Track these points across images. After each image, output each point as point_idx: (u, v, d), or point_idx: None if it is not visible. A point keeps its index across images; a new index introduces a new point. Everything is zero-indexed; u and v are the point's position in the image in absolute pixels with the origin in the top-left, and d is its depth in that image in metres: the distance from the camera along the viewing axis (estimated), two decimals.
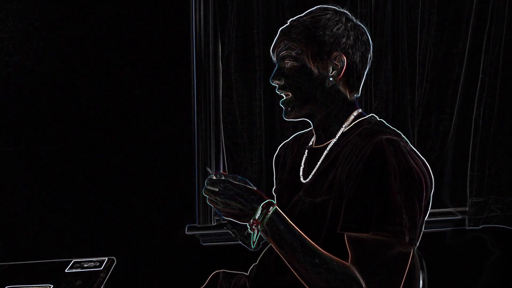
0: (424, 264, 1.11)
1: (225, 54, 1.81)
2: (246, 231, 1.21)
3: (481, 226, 1.99)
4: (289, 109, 1.04)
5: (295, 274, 0.91)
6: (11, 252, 1.76)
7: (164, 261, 1.89)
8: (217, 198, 0.96)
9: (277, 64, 1.04)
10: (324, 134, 1.06)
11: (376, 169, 0.87)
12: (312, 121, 1.07)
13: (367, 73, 1.06)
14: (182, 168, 1.86)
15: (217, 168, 1.91)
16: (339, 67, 1.00)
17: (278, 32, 1.04)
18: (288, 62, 1.01)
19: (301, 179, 1.07)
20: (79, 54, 1.76)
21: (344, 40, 0.99)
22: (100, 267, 1.38)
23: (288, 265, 0.92)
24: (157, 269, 1.90)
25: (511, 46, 1.94)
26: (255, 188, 0.98)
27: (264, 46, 1.81)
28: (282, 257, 0.93)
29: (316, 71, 0.99)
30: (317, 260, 0.87)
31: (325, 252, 0.89)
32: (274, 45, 1.05)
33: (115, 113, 1.80)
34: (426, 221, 0.94)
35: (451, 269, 2.06)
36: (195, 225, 1.88)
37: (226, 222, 1.86)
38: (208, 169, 1.11)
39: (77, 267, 1.39)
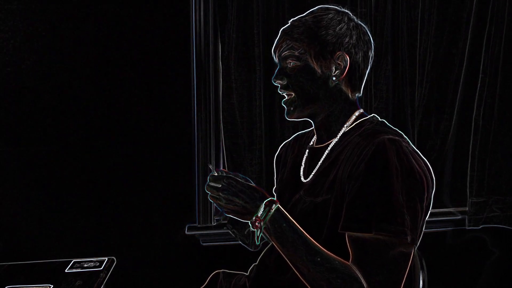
0: (424, 264, 1.11)
1: (225, 54, 1.81)
2: (246, 231, 1.21)
3: (481, 226, 1.99)
4: (291, 109, 1.04)
5: (296, 273, 0.91)
6: (11, 252, 1.76)
7: (164, 261, 1.89)
8: (220, 194, 0.96)
9: (279, 64, 1.04)
10: (326, 134, 1.06)
11: (378, 169, 0.87)
12: (313, 121, 1.07)
13: (367, 72, 1.06)
14: (182, 168, 1.86)
15: (217, 168, 1.91)
16: (342, 67, 1.00)
17: (280, 32, 1.04)
18: (290, 62, 1.01)
19: (302, 178, 1.07)
20: (79, 54, 1.76)
21: (347, 39, 0.99)
22: (100, 267, 1.38)
23: (289, 264, 0.92)
24: (157, 269, 1.90)
25: (511, 46, 1.94)
26: (257, 186, 0.98)
27: (264, 46, 1.81)
28: (283, 255, 0.93)
29: (319, 70, 0.99)
30: (318, 259, 0.88)
31: (327, 251, 0.89)
32: (275, 45, 1.05)
33: (115, 113, 1.80)
34: (426, 221, 0.94)
35: (451, 269, 2.06)
36: (195, 225, 1.88)
37: (226, 222, 1.86)
38: (210, 166, 1.11)
39: (77, 267, 1.39)
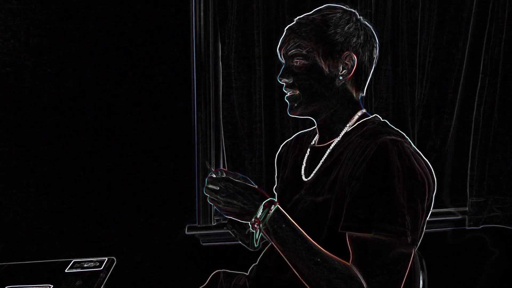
0: (424, 264, 1.11)
1: (225, 54, 1.81)
2: (247, 231, 1.21)
3: (481, 226, 1.99)
4: (295, 105, 1.03)
5: (296, 273, 0.91)
6: (11, 252, 1.76)
7: (164, 261, 1.89)
8: (218, 197, 0.95)
9: (284, 63, 1.04)
10: (328, 133, 1.05)
11: (380, 170, 0.87)
12: (316, 120, 1.07)
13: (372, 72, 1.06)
14: (182, 168, 1.86)
15: (217, 168, 1.91)
16: (349, 67, 0.99)
17: (285, 30, 1.03)
18: (297, 61, 1.00)
19: (303, 177, 1.06)
20: (79, 54, 1.76)
21: (355, 39, 0.99)
22: (100, 267, 1.38)
23: (289, 264, 0.92)
24: (157, 269, 1.89)
25: (511, 46, 1.94)
26: (256, 186, 0.98)
27: (264, 46, 1.81)
28: (283, 256, 0.92)
29: (326, 69, 0.99)
30: (318, 259, 0.87)
31: (327, 251, 0.89)
32: (281, 43, 1.03)
33: (115, 113, 1.80)
34: (426, 221, 0.94)
35: (451, 269, 2.06)
36: (195, 225, 1.88)
37: (226, 222, 1.86)
38: (207, 164, 1.10)
39: (77, 267, 1.39)
